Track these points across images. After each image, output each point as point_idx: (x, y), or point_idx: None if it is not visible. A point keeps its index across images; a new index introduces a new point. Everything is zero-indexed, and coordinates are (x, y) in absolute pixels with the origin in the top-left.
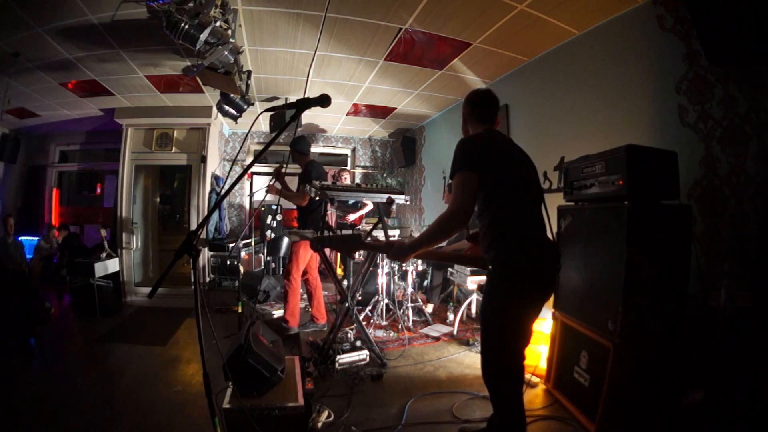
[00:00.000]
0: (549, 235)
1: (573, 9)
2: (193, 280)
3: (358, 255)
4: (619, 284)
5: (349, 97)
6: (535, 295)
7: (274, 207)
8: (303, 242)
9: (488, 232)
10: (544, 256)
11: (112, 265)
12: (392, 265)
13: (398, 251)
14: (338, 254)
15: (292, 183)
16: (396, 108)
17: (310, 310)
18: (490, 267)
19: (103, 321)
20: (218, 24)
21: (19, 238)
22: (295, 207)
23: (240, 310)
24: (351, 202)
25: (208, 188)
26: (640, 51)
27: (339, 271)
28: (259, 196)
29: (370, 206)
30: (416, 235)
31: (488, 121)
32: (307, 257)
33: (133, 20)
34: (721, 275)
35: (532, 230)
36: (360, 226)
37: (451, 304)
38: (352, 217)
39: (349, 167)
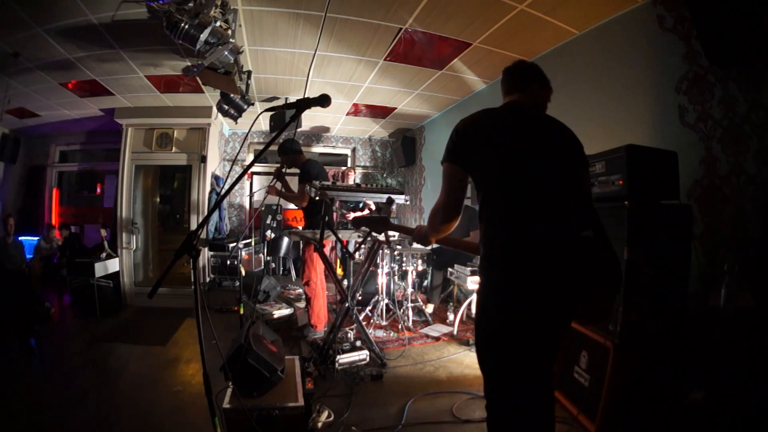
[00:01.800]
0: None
1: (573, 9)
2: (193, 280)
3: (358, 255)
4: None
5: (349, 97)
6: (515, 326)
7: (274, 207)
8: (314, 245)
9: (481, 240)
10: (541, 280)
11: (112, 265)
12: (392, 264)
13: (419, 236)
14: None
15: (293, 183)
16: (396, 108)
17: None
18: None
19: (103, 321)
20: (218, 24)
21: (19, 238)
22: (295, 207)
23: (242, 311)
24: (354, 202)
25: (208, 188)
26: (640, 51)
27: (339, 271)
28: (259, 196)
29: (373, 207)
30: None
31: (518, 88)
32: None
33: (133, 20)
34: (721, 275)
35: (528, 243)
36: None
37: (451, 304)
38: (353, 217)
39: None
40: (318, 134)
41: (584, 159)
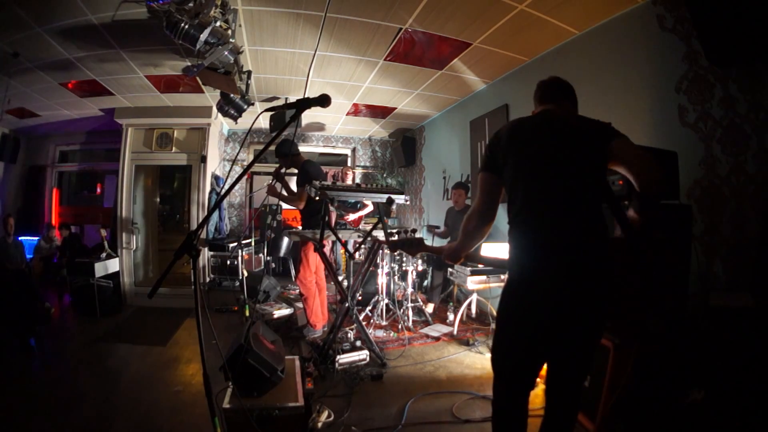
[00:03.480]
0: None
1: (573, 9)
2: (193, 280)
3: (358, 255)
4: None
5: (349, 97)
6: (517, 328)
7: (274, 207)
8: (311, 244)
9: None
10: (537, 280)
11: (112, 265)
12: (392, 264)
13: (449, 252)
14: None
15: (292, 183)
16: (396, 108)
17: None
18: None
19: (103, 321)
20: (218, 24)
21: (19, 238)
22: (292, 208)
23: (247, 313)
24: (351, 201)
25: (208, 188)
26: (640, 51)
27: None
28: (259, 196)
29: (370, 207)
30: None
31: (551, 100)
32: (316, 259)
33: (133, 20)
34: (721, 275)
35: (536, 243)
36: (359, 227)
37: (451, 304)
38: (351, 217)
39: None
40: (317, 134)
41: (613, 155)
